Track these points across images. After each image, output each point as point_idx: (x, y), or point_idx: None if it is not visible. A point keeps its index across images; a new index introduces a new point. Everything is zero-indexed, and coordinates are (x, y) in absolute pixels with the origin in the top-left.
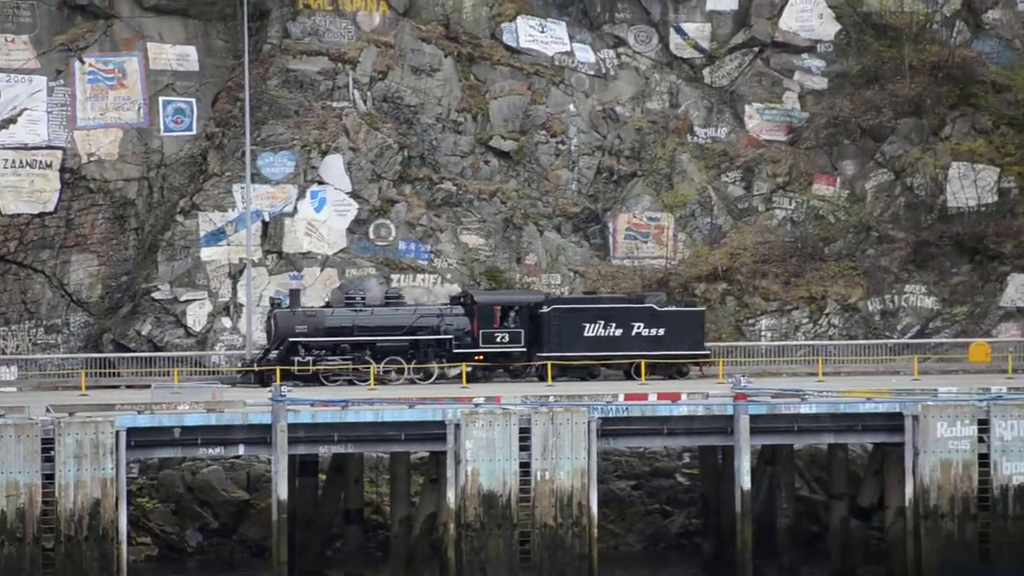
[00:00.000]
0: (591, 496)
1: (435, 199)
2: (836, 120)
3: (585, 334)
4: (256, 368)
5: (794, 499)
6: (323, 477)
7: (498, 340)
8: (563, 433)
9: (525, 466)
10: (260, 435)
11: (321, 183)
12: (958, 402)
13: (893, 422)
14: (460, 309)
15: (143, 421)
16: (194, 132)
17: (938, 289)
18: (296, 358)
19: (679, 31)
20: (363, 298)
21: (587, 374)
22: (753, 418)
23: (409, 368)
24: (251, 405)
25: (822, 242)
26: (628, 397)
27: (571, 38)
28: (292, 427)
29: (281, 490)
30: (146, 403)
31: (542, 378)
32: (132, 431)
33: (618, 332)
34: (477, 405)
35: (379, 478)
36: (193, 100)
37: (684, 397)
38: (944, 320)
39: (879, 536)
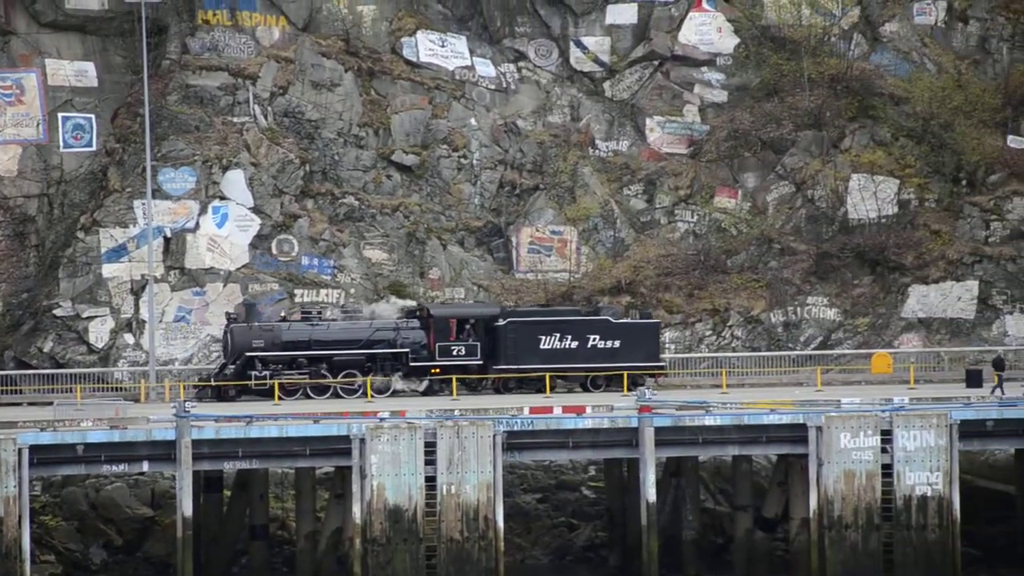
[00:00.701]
0: (497, 510)
1: (338, 214)
2: (736, 133)
3: (541, 346)
4: (213, 383)
5: (699, 511)
6: (228, 493)
7: (455, 353)
8: (468, 447)
9: (431, 480)
10: (164, 451)
11: (223, 198)
12: (861, 413)
13: (797, 433)
14: (416, 322)
15: (46, 438)
16: (94, 148)
17: (840, 301)
18: (253, 372)
19: (579, 45)
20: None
21: (543, 386)
22: (658, 430)
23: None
24: (155, 421)
25: (724, 255)
26: (533, 411)
27: (472, 52)
28: (196, 443)
29: (186, 506)
30: (49, 420)
31: (498, 391)
32: (35, 448)
33: (574, 344)
34: (382, 420)
35: (284, 493)
36: (92, 116)
37: (589, 410)
38: (846, 331)
39: (784, 547)
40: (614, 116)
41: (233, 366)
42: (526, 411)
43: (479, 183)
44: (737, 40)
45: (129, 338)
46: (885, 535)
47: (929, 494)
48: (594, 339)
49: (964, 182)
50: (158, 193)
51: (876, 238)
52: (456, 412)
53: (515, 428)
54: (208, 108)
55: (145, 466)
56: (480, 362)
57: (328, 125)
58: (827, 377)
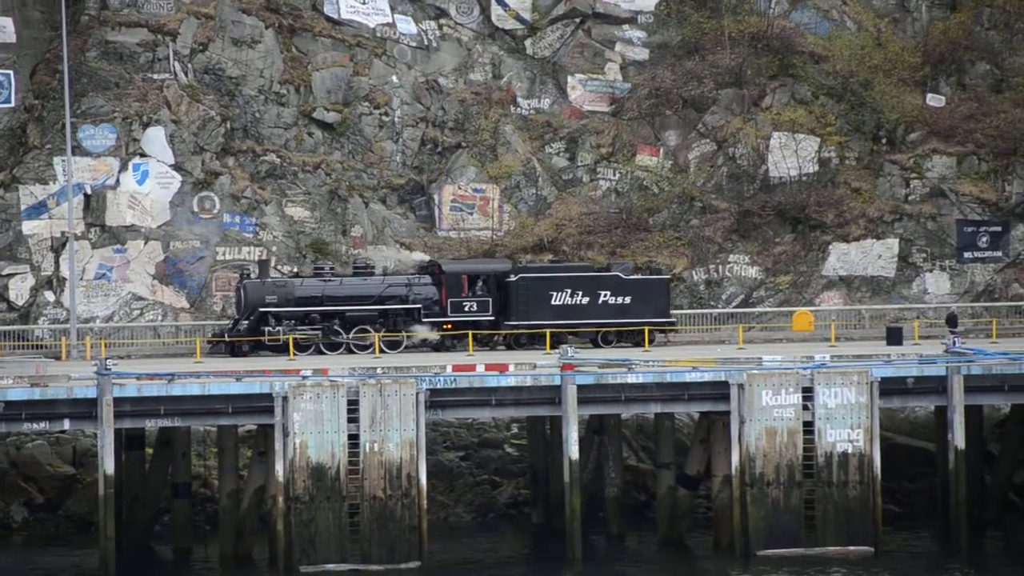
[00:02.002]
0: (420, 467)
1: (259, 171)
2: (658, 91)
3: (552, 302)
4: (227, 339)
5: (622, 468)
6: (150, 451)
7: (466, 309)
8: (391, 405)
9: (354, 438)
10: (85, 409)
11: (143, 156)
12: (782, 370)
13: (719, 391)
14: (428, 278)
15: None
16: (12, 104)
17: (761, 259)
18: (266, 328)
19: (500, 2)
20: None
21: (554, 342)
22: (581, 388)
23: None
24: (76, 379)
25: (646, 213)
26: (456, 368)
27: (393, 9)
28: (118, 401)
29: (107, 465)
30: None
31: (509, 347)
32: None
33: (585, 300)
34: (305, 377)
35: (207, 451)
36: (11, 72)
37: (512, 368)
38: (768, 289)
39: (706, 504)
40: (536, 74)
41: (247, 322)
42: (449, 369)
43: (401, 141)
44: None
45: (50, 295)
46: (806, 492)
47: (850, 451)
48: (605, 295)
49: (884, 140)
50: (78, 150)
51: (797, 196)
52: (379, 370)
53: (438, 386)
54: (128, 64)
55: (66, 424)
56: (492, 318)
57: (249, 82)
58: (749, 335)
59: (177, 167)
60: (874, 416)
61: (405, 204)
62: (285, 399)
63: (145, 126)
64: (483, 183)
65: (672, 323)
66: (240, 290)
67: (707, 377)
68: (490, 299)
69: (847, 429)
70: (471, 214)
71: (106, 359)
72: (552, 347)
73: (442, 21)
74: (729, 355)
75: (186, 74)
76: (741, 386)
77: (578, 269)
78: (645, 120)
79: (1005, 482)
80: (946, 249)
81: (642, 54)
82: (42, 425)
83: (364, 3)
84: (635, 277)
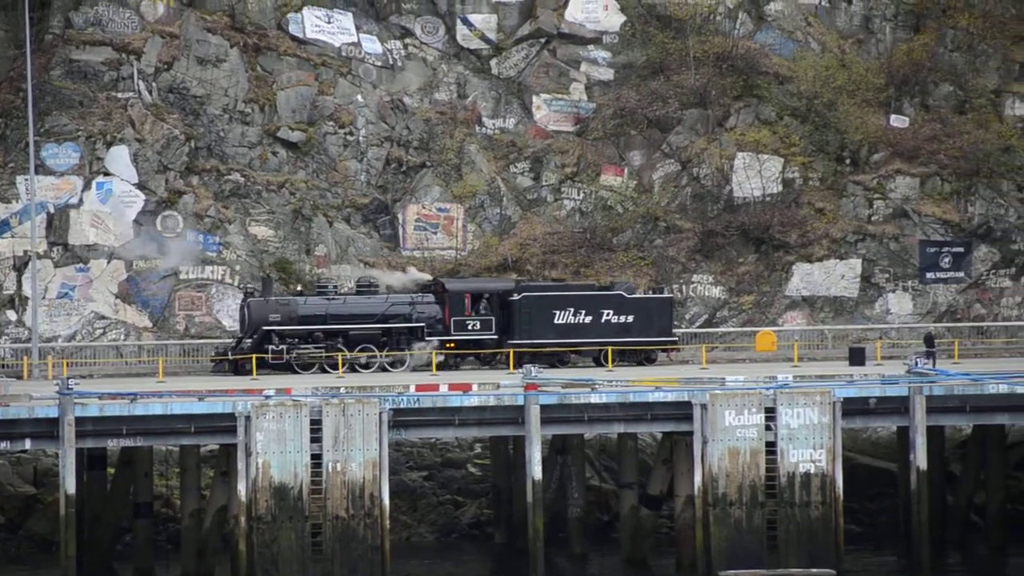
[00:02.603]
0: (383, 487)
1: (223, 190)
2: (623, 111)
3: (555, 321)
4: (231, 357)
5: (584, 488)
6: (112, 471)
7: (469, 327)
8: (354, 424)
9: (316, 458)
10: (47, 429)
11: (107, 174)
12: (745, 391)
13: (682, 411)
14: (431, 297)
15: None
16: None
17: (725, 279)
18: (270, 346)
19: (466, 22)
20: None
21: (557, 361)
22: (544, 408)
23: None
24: (38, 399)
25: (611, 232)
26: (419, 388)
27: (358, 28)
28: (80, 421)
29: (69, 484)
30: None
31: (512, 365)
32: None
33: (588, 319)
34: (268, 397)
35: (169, 471)
36: None
37: (475, 387)
38: (731, 309)
39: (669, 524)
40: (501, 94)
41: (250, 340)
42: (412, 388)
43: (365, 160)
44: (623, 18)
45: (11, 314)
46: (769, 512)
47: (812, 471)
48: (608, 314)
49: (847, 161)
50: (41, 168)
51: (761, 216)
52: (342, 390)
53: (401, 406)
54: (92, 83)
55: (28, 444)
56: (495, 337)
57: (213, 101)
58: (712, 355)
59: (141, 186)
60: (836, 436)
61: (369, 223)
62: (248, 419)
63: (109, 145)
64: (447, 202)
65: (674, 342)
66: (244, 308)
67: (670, 397)
68: (493, 318)
69: (810, 449)
70: (435, 233)
71: (68, 378)
72: (554, 366)
73: (407, 41)
74: (692, 375)
75: (150, 93)
76: (704, 406)
77: (581, 288)
78: (610, 140)
79: (967, 502)
80: (909, 270)
81: (607, 74)
82: (3, 445)
83: (329, 22)
84: (638, 296)
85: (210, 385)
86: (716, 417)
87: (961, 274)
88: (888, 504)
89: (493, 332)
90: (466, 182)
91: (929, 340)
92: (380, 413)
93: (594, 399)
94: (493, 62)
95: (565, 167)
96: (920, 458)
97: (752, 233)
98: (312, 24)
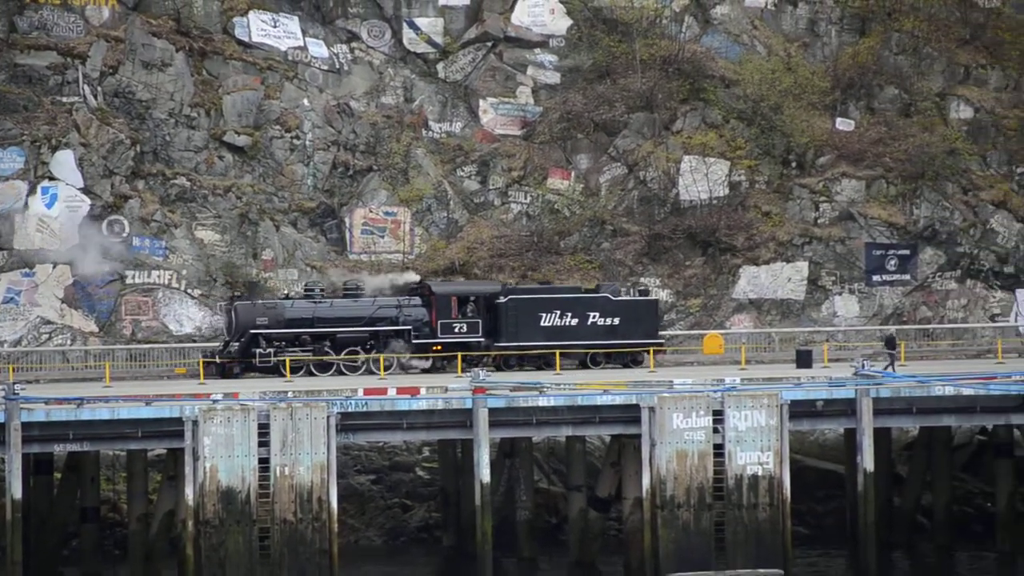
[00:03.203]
0: (331, 491)
1: (169, 195)
2: (569, 115)
3: (542, 323)
4: (218, 360)
5: (533, 491)
6: (58, 475)
7: (456, 330)
8: (302, 428)
9: (264, 462)
10: None
11: (52, 179)
12: (693, 393)
13: (630, 414)
14: (418, 300)
15: None
16: None
17: (672, 282)
18: (257, 350)
19: (412, 26)
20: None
21: (543, 363)
22: (492, 411)
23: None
24: None
25: (558, 236)
26: (367, 392)
27: (304, 33)
28: (26, 426)
29: (15, 489)
30: None
31: (499, 368)
32: None
33: (574, 322)
34: (215, 401)
35: (116, 476)
36: None
37: (423, 391)
38: (679, 312)
39: (617, 527)
40: (447, 97)
41: (237, 343)
42: (360, 392)
43: (312, 164)
44: (570, 22)
45: None
46: (717, 514)
47: (760, 473)
48: (594, 316)
49: (794, 164)
50: None
51: (707, 220)
52: (290, 393)
53: (349, 409)
54: (37, 88)
55: None
56: (482, 339)
57: (159, 105)
58: (659, 358)
59: (86, 190)
60: (784, 439)
61: (316, 227)
62: (195, 423)
63: (54, 149)
64: (394, 206)
65: (660, 344)
66: (231, 312)
67: (618, 400)
68: (480, 320)
69: (757, 452)
70: (382, 237)
71: (14, 383)
72: (540, 368)
73: (354, 45)
74: (640, 378)
75: (96, 97)
76: (652, 409)
77: (567, 291)
78: (556, 144)
79: (913, 504)
80: (855, 272)
81: (553, 78)
82: None
83: (275, 26)
84: (624, 299)
85: (157, 389)
86: (664, 420)
87: (907, 276)
88: (835, 506)
89: (480, 335)
90: (413, 186)
91: (890, 342)
92: (328, 417)
93: (542, 402)
94: (440, 66)
95: (512, 171)
96: (867, 460)
97: (699, 236)
98: (258, 28)
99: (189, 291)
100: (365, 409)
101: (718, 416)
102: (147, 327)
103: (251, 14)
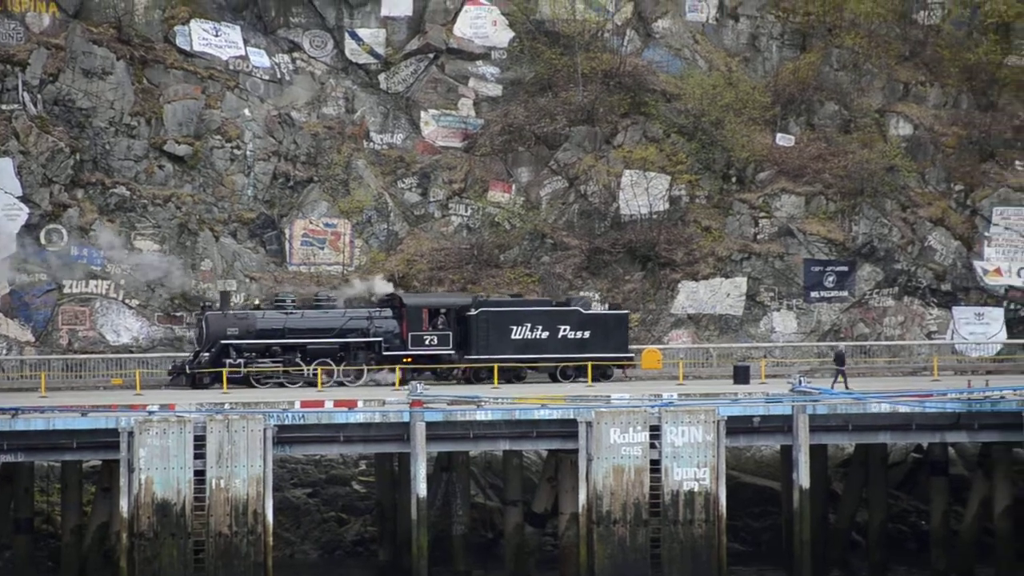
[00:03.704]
0: (266, 504)
1: (108, 204)
2: (511, 127)
3: (512, 336)
4: (188, 371)
5: (469, 506)
6: None
7: (427, 342)
8: (238, 441)
9: (200, 474)
10: None
11: None
12: (630, 408)
13: (567, 428)
14: (389, 312)
15: None
16: None
17: (611, 296)
18: (228, 360)
19: (354, 36)
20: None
21: (513, 376)
22: (429, 425)
23: (339, 370)
24: None
25: (498, 249)
26: (304, 404)
27: (246, 42)
28: None
29: None
30: None
31: (469, 380)
32: None
33: (544, 335)
34: (151, 413)
35: (50, 487)
36: None
37: (360, 404)
38: None
39: (553, 542)
40: (389, 109)
41: (207, 354)
42: (297, 405)
43: (252, 174)
44: (512, 34)
45: None
46: (653, 530)
47: (696, 489)
48: (564, 329)
49: (734, 179)
50: None
51: (647, 234)
52: (226, 405)
53: (286, 422)
54: None
55: None
56: (452, 352)
57: (99, 114)
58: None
59: (25, 199)
60: (720, 455)
61: (256, 238)
62: (131, 435)
63: None
64: (335, 218)
65: (630, 358)
66: (201, 322)
67: (556, 415)
68: (450, 333)
69: (694, 468)
70: (322, 249)
71: None
72: (510, 381)
73: (295, 55)
74: (578, 393)
75: (35, 105)
76: (589, 424)
77: (538, 304)
78: (498, 156)
79: (848, 521)
80: (793, 288)
81: (495, 90)
82: None
83: (217, 35)
84: (594, 312)
85: (93, 400)
86: (601, 435)
87: (845, 293)
88: (771, 522)
89: (450, 347)
90: (353, 197)
91: (840, 358)
92: (264, 429)
93: (480, 416)
94: (381, 77)
95: (453, 183)
96: (803, 477)
97: (639, 251)
98: (199, 37)
99: (127, 301)
100: (302, 422)
101: (655, 431)
102: (84, 337)
103: (193, 23)
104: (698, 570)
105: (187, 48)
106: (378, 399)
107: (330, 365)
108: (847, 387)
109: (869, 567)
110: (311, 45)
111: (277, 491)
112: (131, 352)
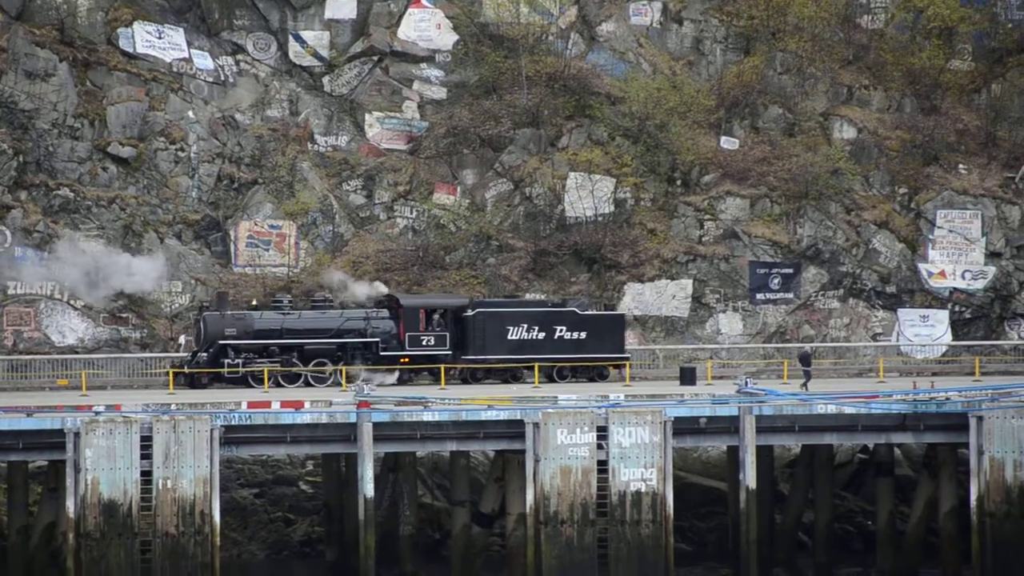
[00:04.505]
0: (213, 504)
1: (52, 205)
2: (455, 130)
3: (509, 337)
4: (186, 370)
5: (417, 506)
6: None
7: (424, 343)
8: (185, 441)
9: (147, 474)
10: None
11: None
12: (577, 409)
13: (514, 429)
14: (386, 312)
15: None
16: None
17: (557, 298)
18: (225, 360)
19: (298, 39)
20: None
21: (510, 376)
22: (376, 425)
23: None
24: None
25: (443, 251)
26: (251, 405)
27: (189, 44)
28: None
29: None
30: None
31: (465, 381)
32: None
33: (541, 335)
34: (97, 413)
35: None
36: None
37: (308, 405)
38: None
39: (500, 542)
40: (333, 111)
41: (206, 354)
42: (244, 405)
43: (197, 176)
44: (456, 37)
45: None
46: (600, 530)
47: (643, 490)
48: (561, 330)
49: (679, 182)
50: None
51: (593, 236)
52: (173, 406)
53: (233, 422)
54: None
55: None
56: (449, 352)
57: (42, 116)
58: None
59: None
60: (667, 455)
61: (200, 240)
62: (77, 435)
63: None
64: (280, 220)
65: (626, 359)
66: (199, 322)
67: (503, 416)
68: (447, 333)
69: (641, 468)
70: (267, 251)
71: None
72: (507, 381)
73: (239, 57)
74: (525, 394)
75: None
76: (536, 425)
77: (535, 304)
78: (442, 159)
79: (795, 521)
80: (739, 290)
81: (440, 93)
82: None
83: (160, 38)
84: (591, 313)
85: (39, 401)
86: (548, 436)
87: (790, 295)
88: (717, 522)
89: (447, 348)
90: (298, 199)
91: (805, 358)
92: (211, 430)
93: (427, 417)
94: (326, 79)
95: (398, 185)
96: (749, 477)
97: (584, 253)
98: (143, 39)
99: (72, 302)
100: (249, 422)
101: (602, 432)
102: (29, 338)
103: (136, 25)
104: (645, 570)
105: (130, 50)
106: (325, 400)
107: (327, 365)
108: (806, 387)
109: (815, 567)
110: (255, 47)
111: (224, 491)
112: (76, 353)
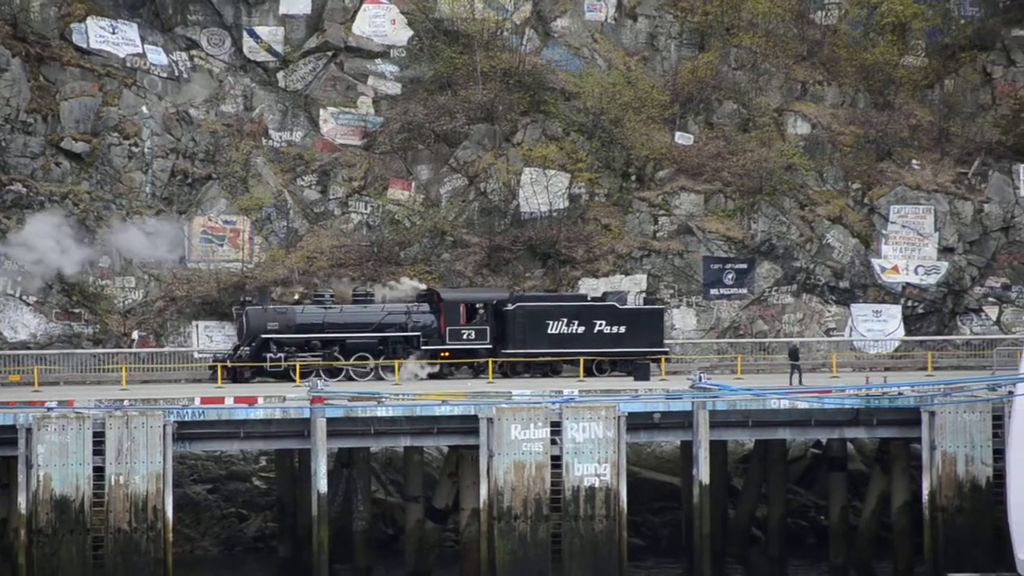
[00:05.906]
0: (166, 500)
1: (5, 201)
2: (410, 125)
3: (549, 331)
4: (229, 364)
5: (370, 502)
6: None
7: (464, 337)
8: (138, 437)
9: (99, 470)
10: None
11: None
12: (531, 405)
13: (468, 424)
14: (427, 306)
15: None
16: None
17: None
18: (268, 354)
19: (252, 34)
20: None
21: (549, 370)
22: (330, 421)
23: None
24: None
25: (398, 246)
26: (204, 400)
27: (143, 39)
28: None
29: None
30: None
31: (506, 375)
32: None
33: (581, 329)
34: (49, 409)
35: None
36: None
37: (261, 400)
38: None
39: (454, 538)
40: (288, 106)
41: (248, 348)
42: (197, 401)
43: (151, 172)
44: (411, 32)
45: None
46: (554, 525)
47: (597, 485)
48: (600, 324)
49: (633, 177)
50: None
51: (547, 231)
52: (126, 402)
53: (186, 418)
54: None
55: None
56: (490, 346)
57: None
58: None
59: None
60: (621, 450)
61: (153, 235)
62: (29, 431)
63: None
64: (234, 215)
65: (665, 353)
66: (242, 317)
67: (457, 411)
68: (488, 327)
69: (594, 463)
70: (221, 246)
71: None
72: (546, 375)
73: (193, 52)
74: (479, 389)
75: None
76: (490, 420)
77: (575, 299)
78: (397, 154)
79: (748, 516)
80: (693, 285)
81: (394, 88)
82: None
83: (114, 33)
84: (630, 307)
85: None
86: (502, 431)
87: (744, 290)
88: (671, 517)
89: (488, 341)
90: (252, 195)
91: (794, 353)
92: (164, 425)
93: (380, 412)
94: (280, 75)
95: (352, 181)
96: (703, 472)
97: (539, 248)
98: (96, 34)
99: (24, 298)
100: (202, 418)
101: (556, 428)
102: None
103: (89, 20)
104: (599, 565)
105: (84, 45)
106: (279, 395)
107: (369, 359)
108: (800, 382)
109: (768, 561)
110: (209, 43)
111: (177, 487)
112: (29, 349)
